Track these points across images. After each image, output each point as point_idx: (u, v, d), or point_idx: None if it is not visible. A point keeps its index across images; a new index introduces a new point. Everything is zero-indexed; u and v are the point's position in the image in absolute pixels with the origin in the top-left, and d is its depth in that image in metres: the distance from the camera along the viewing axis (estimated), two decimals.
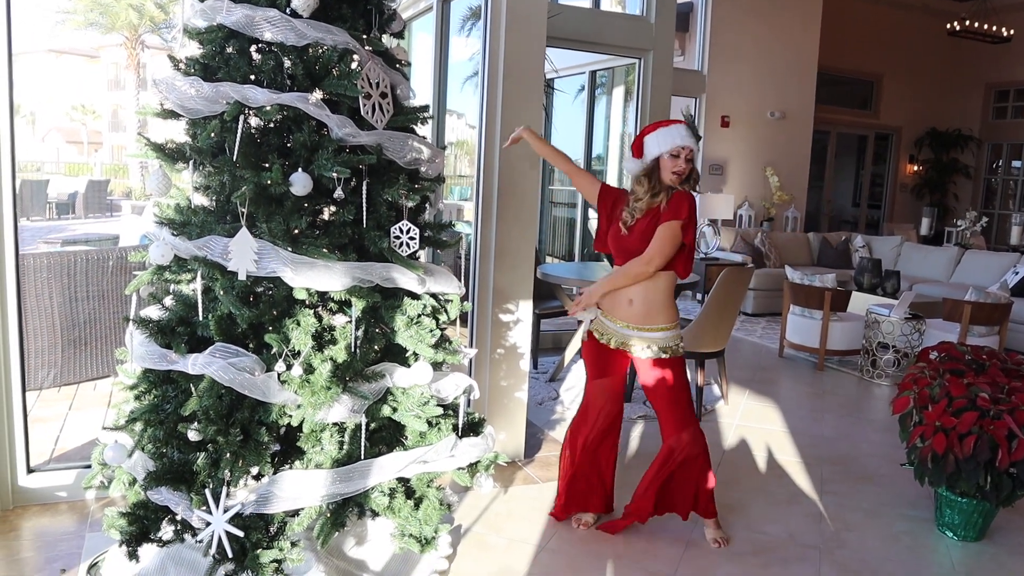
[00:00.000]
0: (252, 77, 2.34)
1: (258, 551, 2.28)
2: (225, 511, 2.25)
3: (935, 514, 3.46)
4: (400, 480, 2.57)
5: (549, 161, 3.30)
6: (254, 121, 2.37)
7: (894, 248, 9.56)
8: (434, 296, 2.66)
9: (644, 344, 3.02)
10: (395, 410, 2.51)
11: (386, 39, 2.66)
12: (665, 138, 2.96)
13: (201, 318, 2.35)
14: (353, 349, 2.41)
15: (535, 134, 3.25)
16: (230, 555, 2.27)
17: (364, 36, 2.51)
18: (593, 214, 8.28)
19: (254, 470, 2.43)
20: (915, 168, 13.25)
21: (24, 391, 3.19)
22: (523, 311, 3.91)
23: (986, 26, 10.64)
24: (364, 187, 2.42)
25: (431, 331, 2.56)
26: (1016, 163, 13.15)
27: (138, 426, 2.41)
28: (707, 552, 3.13)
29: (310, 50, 2.38)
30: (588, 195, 3.24)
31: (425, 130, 2.78)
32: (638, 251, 2.96)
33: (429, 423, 2.55)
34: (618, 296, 3.04)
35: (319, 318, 2.40)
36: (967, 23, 10.52)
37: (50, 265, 4.50)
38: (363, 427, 2.44)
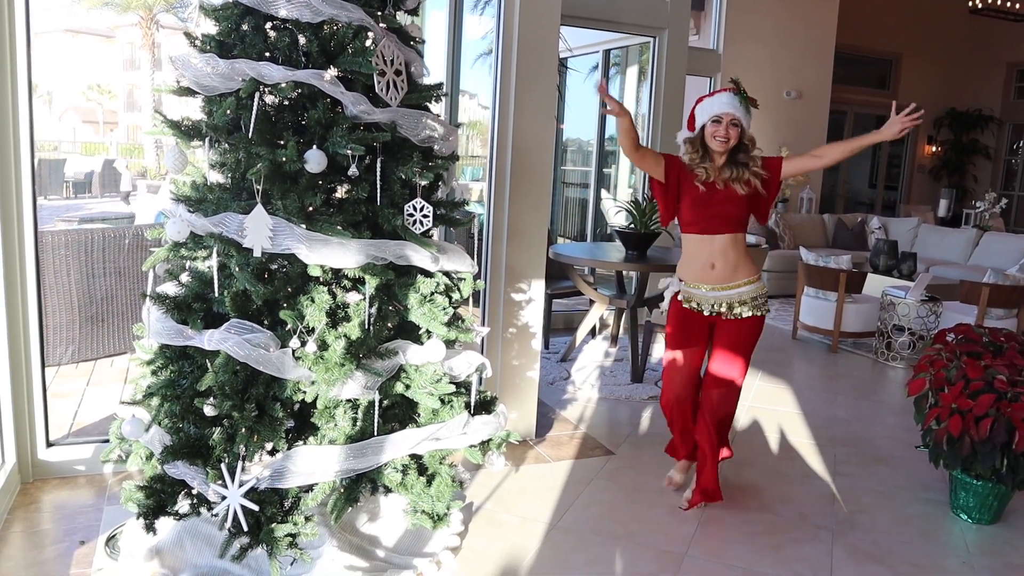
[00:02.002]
0: (267, 54, 2.34)
1: (273, 525, 2.31)
2: (240, 485, 2.28)
3: (949, 497, 3.45)
4: (413, 457, 2.59)
5: (622, 134, 3.02)
6: (269, 98, 2.37)
7: (911, 230, 9.47)
8: (447, 274, 2.66)
9: (735, 302, 3.09)
10: (408, 387, 2.52)
11: (401, 16, 2.65)
12: (707, 107, 3.03)
13: (217, 294, 2.37)
14: (367, 326, 2.42)
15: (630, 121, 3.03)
16: (245, 529, 2.30)
17: (379, 13, 2.50)
18: (606, 194, 8.25)
19: (269, 445, 2.46)
20: (933, 149, 13.09)
21: (44, 367, 3.23)
22: (535, 290, 3.91)
23: (1008, 4, 10.45)
24: (378, 165, 2.42)
25: (444, 309, 2.56)
26: None
27: (155, 401, 2.44)
28: (719, 531, 3.13)
29: (325, 27, 2.37)
30: (657, 171, 3.10)
31: (439, 108, 2.77)
32: (728, 215, 3.01)
33: (442, 400, 2.57)
34: (699, 262, 3.09)
35: (333, 295, 2.42)
36: (989, 0, 10.34)
37: (68, 243, 4.54)
38: (376, 404, 2.46)
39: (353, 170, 2.35)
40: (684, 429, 3.34)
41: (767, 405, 4.82)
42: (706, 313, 3.13)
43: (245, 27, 2.39)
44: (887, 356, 6.07)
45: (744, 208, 3.05)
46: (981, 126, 12.81)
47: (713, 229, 3.03)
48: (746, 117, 3.01)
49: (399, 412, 2.55)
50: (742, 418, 4.54)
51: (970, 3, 10.51)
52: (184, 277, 2.54)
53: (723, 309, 3.12)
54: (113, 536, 2.77)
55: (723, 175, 2.99)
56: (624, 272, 5.75)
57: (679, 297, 3.19)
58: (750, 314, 3.12)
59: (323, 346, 2.33)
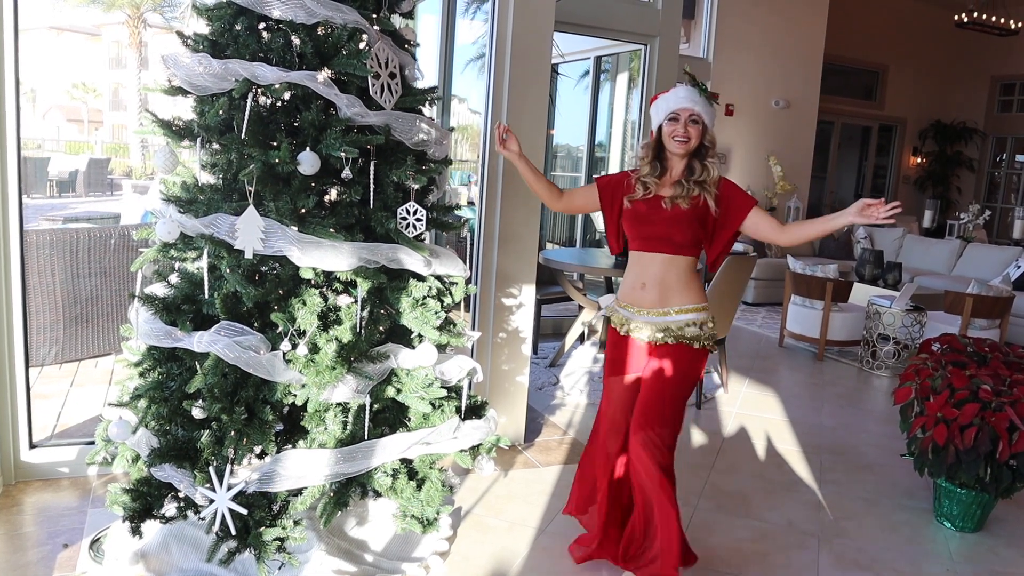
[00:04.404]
0: (261, 55, 2.33)
1: (261, 529, 2.29)
2: (229, 489, 2.26)
3: (934, 504, 3.47)
4: (403, 461, 2.58)
5: (531, 187, 2.83)
6: (262, 99, 2.36)
7: (896, 240, 9.55)
8: (439, 278, 2.66)
9: (654, 329, 2.63)
10: (399, 391, 2.51)
11: (395, 19, 2.65)
12: (662, 104, 2.63)
13: (207, 296, 2.35)
14: (358, 330, 2.40)
15: (525, 160, 2.75)
16: (233, 533, 2.29)
17: (374, 15, 2.50)
18: None
19: (258, 448, 2.44)
20: (918, 160, 13.21)
21: (27, 367, 3.19)
22: (526, 295, 3.91)
23: (994, 18, 10.58)
24: (372, 167, 2.41)
25: (436, 313, 2.56)
26: (1020, 157, 13.10)
27: (142, 403, 2.42)
28: (706, 538, 3.14)
29: (319, 28, 2.36)
30: (590, 203, 2.80)
31: (431, 112, 2.77)
32: (670, 238, 2.59)
33: (432, 405, 2.56)
34: (629, 279, 2.71)
35: (325, 298, 2.40)
36: (975, 15, 10.46)
37: (53, 242, 4.50)
38: (367, 408, 2.45)
39: (346, 172, 2.33)
40: (596, 474, 2.83)
41: (753, 412, 4.84)
42: (635, 338, 2.69)
43: (238, 27, 2.37)
44: (872, 365, 6.11)
45: (691, 232, 2.59)
46: (965, 138, 12.94)
47: (651, 247, 2.63)
48: (707, 112, 2.60)
49: (390, 416, 2.54)
50: (729, 425, 4.56)
51: (956, 17, 10.62)
52: (173, 278, 2.52)
53: (648, 337, 2.65)
54: (97, 539, 2.74)
55: (671, 194, 2.60)
56: (613, 278, 5.76)
57: (611, 319, 2.79)
58: (675, 342, 2.61)
59: (314, 349, 2.32)
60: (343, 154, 2.27)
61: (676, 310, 2.62)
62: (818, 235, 2.63)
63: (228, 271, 2.27)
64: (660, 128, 2.63)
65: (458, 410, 2.67)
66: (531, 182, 2.81)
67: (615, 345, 2.76)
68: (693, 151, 2.61)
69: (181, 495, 2.39)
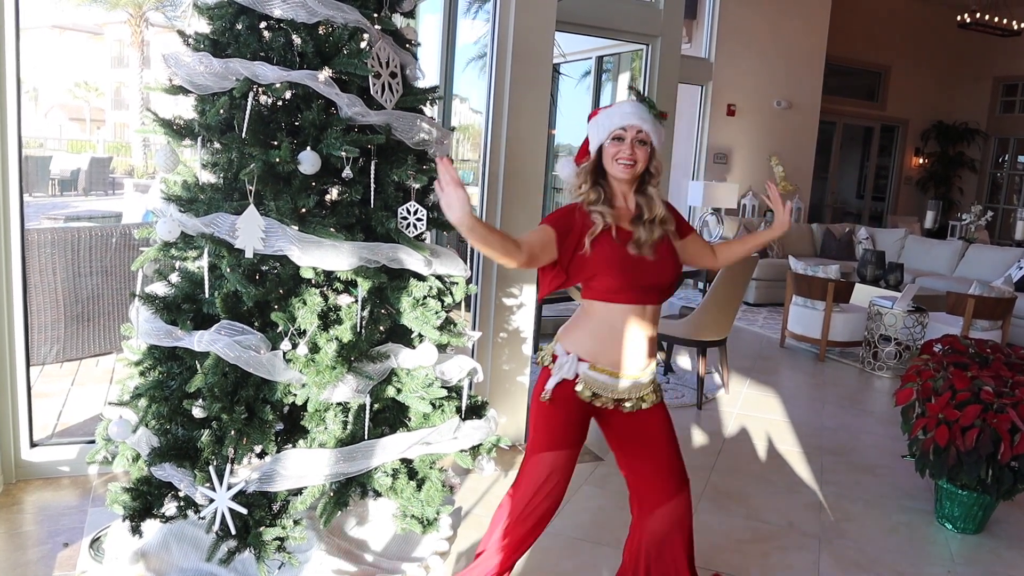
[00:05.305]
0: (262, 54, 2.33)
1: (261, 529, 2.29)
2: (229, 488, 2.26)
3: (935, 506, 3.47)
4: (403, 461, 2.58)
5: (485, 251, 2.04)
6: (263, 98, 2.36)
7: (898, 241, 9.54)
8: (440, 278, 2.65)
9: (644, 386, 2.31)
10: (399, 391, 2.51)
11: (397, 18, 2.64)
12: (604, 121, 2.24)
13: (207, 295, 2.35)
14: (359, 329, 2.40)
15: (473, 216, 1.93)
16: (233, 532, 2.28)
17: (375, 15, 2.50)
18: None
19: (258, 448, 2.44)
20: (920, 161, 13.19)
21: (28, 366, 3.19)
22: (526, 295, 3.90)
23: (996, 19, 10.56)
24: (372, 167, 2.41)
25: (436, 313, 2.56)
26: (1022, 158, 13.09)
27: (143, 402, 2.42)
28: (707, 539, 3.13)
29: (320, 28, 2.36)
30: (548, 250, 2.17)
31: (432, 111, 2.76)
32: (668, 286, 2.28)
33: (433, 405, 2.56)
34: (619, 338, 2.24)
35: (325, 298, 2.40)
36: (977, 16, 10.45)
37: (54, 241, 4.50)
38: (367, 407, 2.45)
39: (347, 172, 2.33)
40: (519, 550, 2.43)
41: (754, 412, 4.83)
42: (599, 405, 2.29)
43: (239, 26, 2.37)
44: (874, 366, 6.10)
45: (678, 271, 2.32)
46: (967, 139, 12.92)
47: (648, 299, 2.24)
48: (657, 133, 2.22)
49: (390, 416, 2.53)
50: (730, 425, 4.55)
51: (958, 18, 10.61)
52: (174, 277, 2.52)
53: (633, 398, 2.30)
54: (98, 538, 2.74)
55: (640, 239, 2.20)
56: None
57: (577, 388, 2.26)
58: (658, 399, 2.35)
59: (314, 349, 2.31)
60: (344, 153, 2.27)
61: (655, 361, 2.35)
62: (747, 252, 2.54)
63: (228, 270, 2.27)
64: (600, 149, 2.23)
65: (458, 410, 2.67)
66: (482, 244, 1.99)
67: (569, 409, 2.29)
68: (637, 177, 2.24)
69: (181, 494, 2.39)
